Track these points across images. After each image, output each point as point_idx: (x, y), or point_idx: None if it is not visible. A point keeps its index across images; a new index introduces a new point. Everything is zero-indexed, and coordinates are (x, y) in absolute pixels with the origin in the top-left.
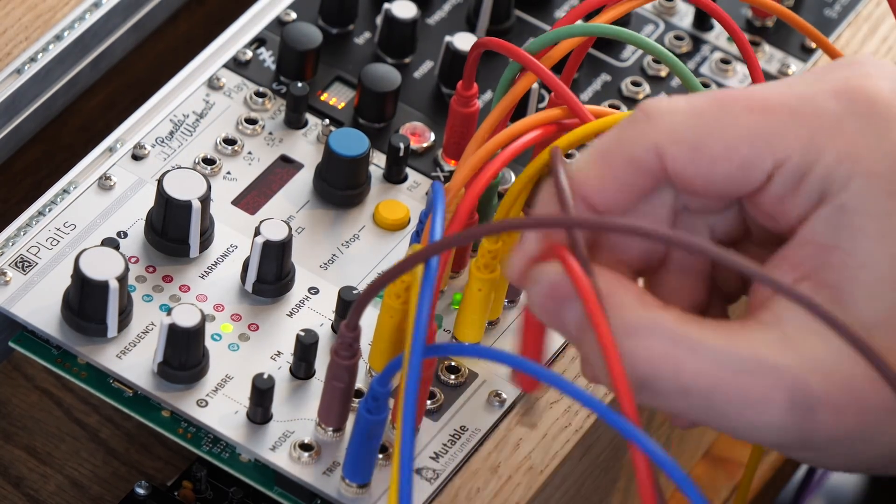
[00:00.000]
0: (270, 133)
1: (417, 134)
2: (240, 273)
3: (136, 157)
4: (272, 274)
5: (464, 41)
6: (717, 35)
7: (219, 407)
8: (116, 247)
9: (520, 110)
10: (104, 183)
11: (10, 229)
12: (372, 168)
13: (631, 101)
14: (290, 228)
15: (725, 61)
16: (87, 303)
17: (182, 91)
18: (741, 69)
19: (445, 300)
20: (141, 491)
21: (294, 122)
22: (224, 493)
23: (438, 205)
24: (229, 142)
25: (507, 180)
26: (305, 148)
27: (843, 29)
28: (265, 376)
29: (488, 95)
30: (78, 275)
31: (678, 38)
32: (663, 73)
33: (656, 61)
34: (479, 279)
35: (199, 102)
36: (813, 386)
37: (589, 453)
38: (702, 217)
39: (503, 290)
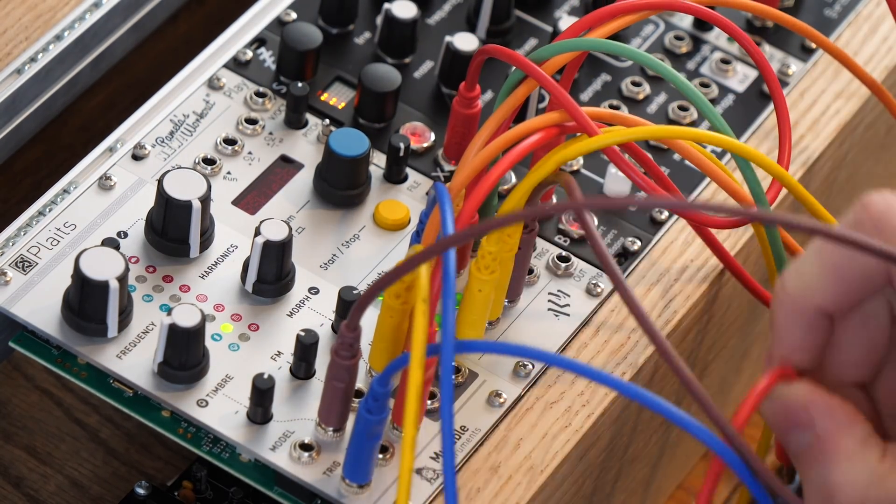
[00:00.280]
0: (270, 133)
1: (417, 134)
2: (240, 273)
3: (136, 157)
4: (272, 274)
5: (464, 41)
6: (717, 35)
7: (219, 407)
8: (116, 247)
9: (520, 109)
10: (104, 183)
11: (10, 229)
12: (372, 168)
13: (631, 101)
14: (291, 228)
15: (725, 61)
16: (87, 303)
17: (182, 91)
18: (741, 69)
19: None
20: (141, 491)
21: (294, 122)
22: (224, 493)
23: (446, 204)
24: (229, 142)
25: (507, 180)
26: (305, 148)
27: (844, 29)
28: (265, 376)
29: (489, 95)
30: (78, 275)
31: (678, 38)
32: None
33: None
34: (479, 280)
35: (199, 102)
36: None
37: (589, 453)
38: None
39: (503, 290)
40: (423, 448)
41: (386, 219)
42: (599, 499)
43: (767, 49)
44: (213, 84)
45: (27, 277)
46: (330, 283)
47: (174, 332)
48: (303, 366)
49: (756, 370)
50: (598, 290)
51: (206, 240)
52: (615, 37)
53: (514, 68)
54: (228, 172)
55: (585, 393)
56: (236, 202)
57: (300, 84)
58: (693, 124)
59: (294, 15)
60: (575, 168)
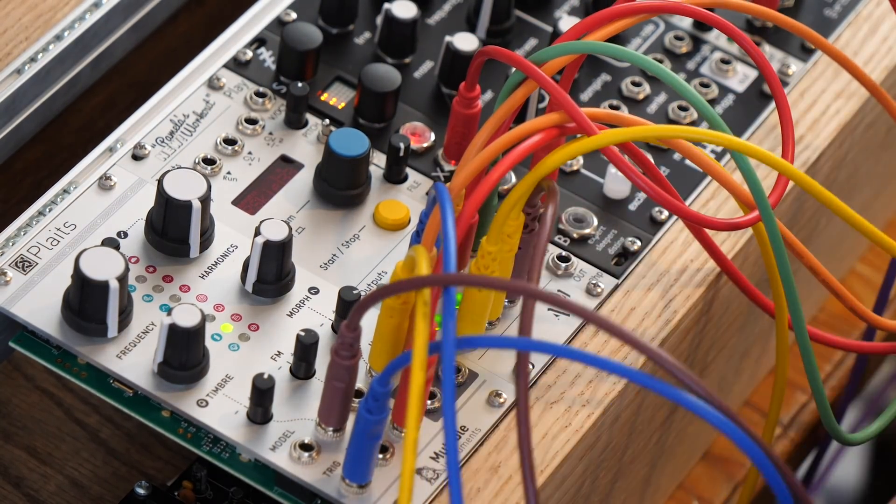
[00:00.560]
0: (270, 133)
1: (417, 134)
2: (240, 273)
3: (136, 157)
4: (272, 274)
5: (464, 41)
6: (717, 35)
7: (219, 407)
8: (116, 247)
9: (520, 110)
10: (104, 183)
11: (10, 229)
12: (372, 168)
13: (631, 101)
14: (291, 228)
15: (725, 61)
16: (87, 303)
17: (182, 91)
18: (741, 69)
19: None
20: (141, 491)
21: (294, 122)
22: (224, 493)
23: (446, 204)
24: (229, 142)
25: (507, 180)
26: (305, 148)
27: (843, 29)
28: (265, 376)
29: (489, 96)
30: (78, 275)
31: (678, 38)
32: None
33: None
34: None
35: (199, 102)
36: None
37: (589, 453)
38: None
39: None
40: (424, 448)
41: (386, 219)
42: (599, 499)
43: (767, 49)
44: (213, 84)
45: (27, 277)
46: (330, 283)
47: (174, 332)
48: (303, 366)
49: (756, 370)
50: (598, 290)
51: (206, 240)
52: (615, 37)
53: (514, 69)
54: (228, 172)
55: (585, 393)
56: (236, 202)
57: (300, 84)
58: (693, 124)
59: (294, 15)
60: (575, 168)
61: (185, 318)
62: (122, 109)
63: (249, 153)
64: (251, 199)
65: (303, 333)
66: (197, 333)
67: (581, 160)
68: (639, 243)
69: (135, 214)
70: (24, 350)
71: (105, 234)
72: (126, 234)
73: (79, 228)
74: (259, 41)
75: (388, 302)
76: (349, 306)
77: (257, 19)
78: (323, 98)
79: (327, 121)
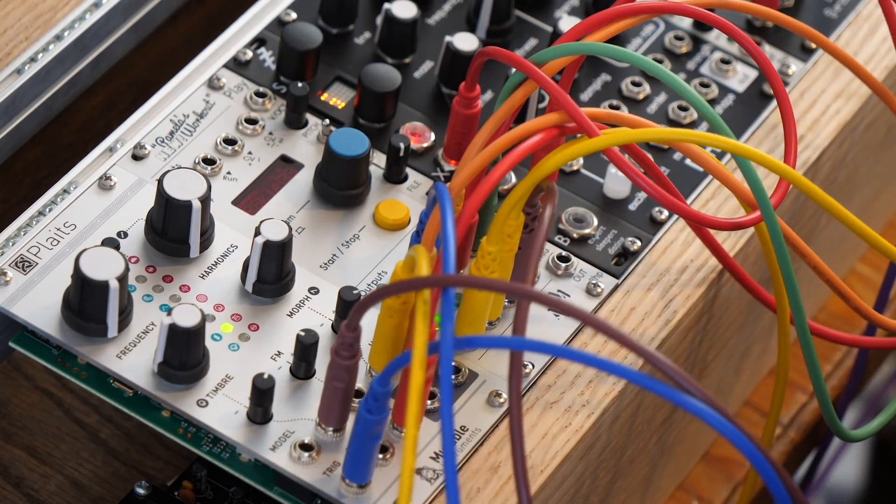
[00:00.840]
0: (270, 133)
1: (417, 134)
2: (240, 273)
3: (136, 157)
4: (272, 274)
5: (464, 41)
6: (717, 35)
7: (219, 407)
8: (116, 247)
9: (520, 110)
10: (104, 183)
11: (10, 229)
12: (372, 168)
13: (631, 101)
14: (290, 228)
15: (725, 61)
16: (87, 303)
17: (182, 91)
18: (741, 69)
19: None
20: (141, 491)
21: (294, 122)
22: (224, 493)
23: (446, 204)
24: (229, 142)
25: (507, 180)
26: (305, 148)
27: (843, 29)
28: (265, 376)
29: (489, 96)
30: (78, 275)
31: (678, 38)
32: None
33: (657, 61)
34: None
35: (199, 102)
36: None
37: (589, 453)
38: None
39: None
40: (423, 448)
41: (386, 219)
42: (599, 499)
43: (767, 49)
44: (213, 84)
45: (27, 277)
46: (330, 283)
47: (174, 332)
48: (303, 366)
49: (756, 370)
50: (598, 290)
51: (206, 240)
52: (615, 37)
53: (514, 70)
54: (228, 172)
55: (585, 393)
56: (236, 202)
57: (300, 84)
58: (693, 124)
59: (294, 15)
60: (575, 168)
61: (185, 318)
62: (122, 109)
63: (249, 153)
64: (251, 199)
65: (303, 333)
66: (197, 333)
67: (581, 160)
68: (639, 243)
69: (135, 214)
70: (24, 350)
71: (105, 234)
72: (126, 234)
73: (79, 228)
74: (259, 41)
75: (388, 302)
76: (349, 306)
77: (257, 19)
78: (323, 98)
79: (327, 121)
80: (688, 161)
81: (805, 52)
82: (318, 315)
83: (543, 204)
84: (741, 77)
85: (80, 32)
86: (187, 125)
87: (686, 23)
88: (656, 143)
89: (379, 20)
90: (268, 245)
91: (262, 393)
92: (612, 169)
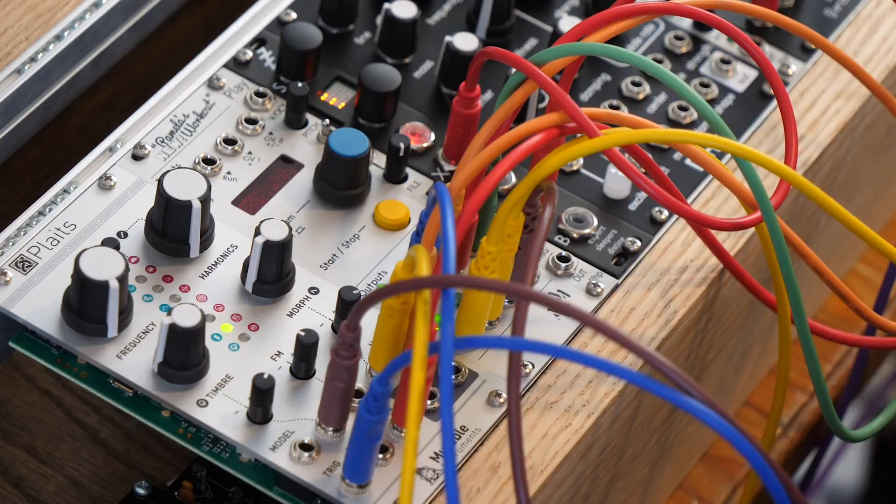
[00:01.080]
0: (270, 133)
1: (417, 134)
2: (240, 273)
3: (136, 157)
4: (272, 274)
5: (464, 41)
6: (717, 35)
7: (219, 407)
8: (116, 247)
9: (520, 110)
10: (104, 183)
11: (10, 229)
12: (372, 168)
13: (631, 101)
14: (290, 228)
15: (725, 61)
16: (87, 303)
17: (182, 91)
18: (741, 69)
19: None
20: (141, 491)
21: (294, 122)
22: (224, 493)
23: (446, 204)
24: (229, 142)
25: (507, 180)
26: (305, 148)
27: (844, 29)
28: (265, 376)
29: (489, 96)
30: (78, 275)
31: (678, 38)
32: None
33: (657, 61)
34: None
35: (199, 102)
36: None
37: (589, 453)
38: None
39: None
40: (424, 448)
41: (386, 219)
42: (599, 499)
43: (767, 49)
44: (213, 84)
45: (27, 277)
46: (330, 283)
47: (174, 332)
48: (303, 366)
49: (756, 370)
50: (598, 290)
51: (206, 240)
52: (615, 36)
53: (514, 70)
54: (228, 172)
55: (585, 393)
56: (236, 202)
57: (300, 84)
58: (693, 124)
59: (294, 15)
60: (575, 168)
61: (185, 318)
62: (122, 109)
63: (249, 153)
64: (251, 199)
65: (303, 333)
66: (197, 333)
67: (581, 160)
68: (639, 243)
69: (135, 214)
70: (24, 350)
71: (105, 234)
72: (126, 234)
73: (79, 228)
74: (259, 41)
75: (388, 302)
76: (349, 306)
77: (257, 19)
78: (323, 98)
79: (327, 121)
80: (688, 161)
81: (805, 52)
82: (318, 315)
83: (543, 204)
84: (741, 77)
85: (80, 32)
86: (187, 125)
87: (686, 23)
88: (657, 143)
89: (379, 20)
90: (268, 245)
91: (262, 393)
92: (612, 169)
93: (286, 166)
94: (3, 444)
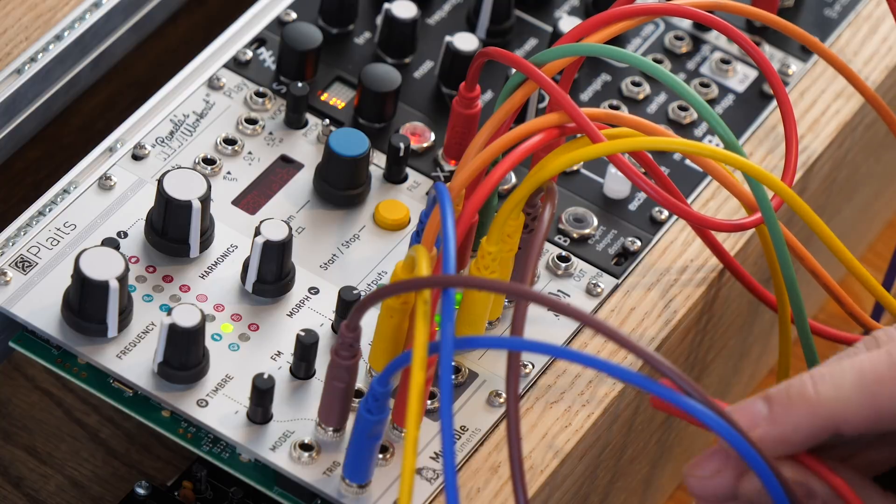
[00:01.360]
0: (270, 133)
1: (417, 134)
2: (240, 273)
3: (136, 157)
4: (272, 274)
5: (464, 41)
6: (717, 35)
7: (219, 407)
8: (116, 247)
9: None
10: (104, 183)
11: (10, 229)
12: (372, 168)
13: (631, 101)
14: (290, 228)
15: (725, 61)
16: (87, 303)
17: (182, 91)
18: (741, 69)
19: None
20: (141, 491)
21: (294, 122)
22: (224, 493)
23: (446, 204)
24: (229, 142)
25: (507, 180)
26: (305, 148)
27: (843, 29)
28: (265, 376)
29: (489, 96)
30: (78, 275)
31: (678, 38)
32: None
33: (657, 61)
34: None
35: (199, 102)
36: None
37: (589, 453)
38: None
39: None
40: (424, 448)
41: (386, 219)
42: (599, 499)
43: (767, 49)
44: (213, 84)
45: (27, 277)
46: (330, 283)
47: (174, 332)
48: (303, 366)
49: (756, 370)
50: (598, 290)
51: (206, 240)
52: (615, 38)
53: (514, 70)
54: (228, 172)
55: (585, 393)
56: (236, 202)
57: (300, 84)
58: (693, 124)
59: (294, 15)
60: (575, 168)
61: (185, 318)
62: (122, 109)
63: (249, 153)
64: (251, 199)
65: (303, 333)
66: (197, 333)
67: None
68: (639, 243)
69: (135, 214)
70: (24, 350)
71: (105, 234)
72: (126, 234)
73: (79, 228)
74: (259, 41)
75: (388, 302)
76: (349, 306)
77: (257, 19)
78: (323, 98)
79: (327, 121)
80: (688, 161)
81: (805, 53)
82: (318, 315)
83: (543, 204)
84: (741, 77)
85: (80, 32)
86: (187, 125)
87: (686, 23)
88: (661, 151)
89: (379, 20)
90: (268, 245)
91: (262, 393)
92: (612, 169)
93: (286, 166)
94: (3, 444)
